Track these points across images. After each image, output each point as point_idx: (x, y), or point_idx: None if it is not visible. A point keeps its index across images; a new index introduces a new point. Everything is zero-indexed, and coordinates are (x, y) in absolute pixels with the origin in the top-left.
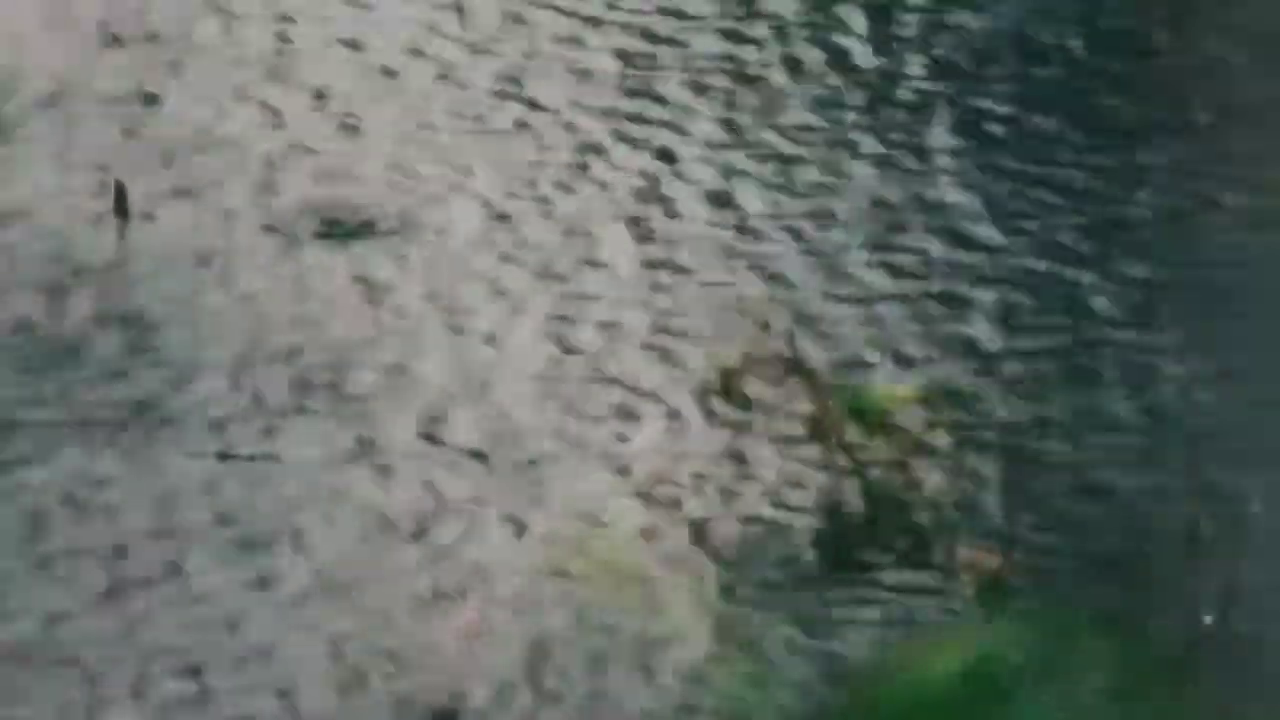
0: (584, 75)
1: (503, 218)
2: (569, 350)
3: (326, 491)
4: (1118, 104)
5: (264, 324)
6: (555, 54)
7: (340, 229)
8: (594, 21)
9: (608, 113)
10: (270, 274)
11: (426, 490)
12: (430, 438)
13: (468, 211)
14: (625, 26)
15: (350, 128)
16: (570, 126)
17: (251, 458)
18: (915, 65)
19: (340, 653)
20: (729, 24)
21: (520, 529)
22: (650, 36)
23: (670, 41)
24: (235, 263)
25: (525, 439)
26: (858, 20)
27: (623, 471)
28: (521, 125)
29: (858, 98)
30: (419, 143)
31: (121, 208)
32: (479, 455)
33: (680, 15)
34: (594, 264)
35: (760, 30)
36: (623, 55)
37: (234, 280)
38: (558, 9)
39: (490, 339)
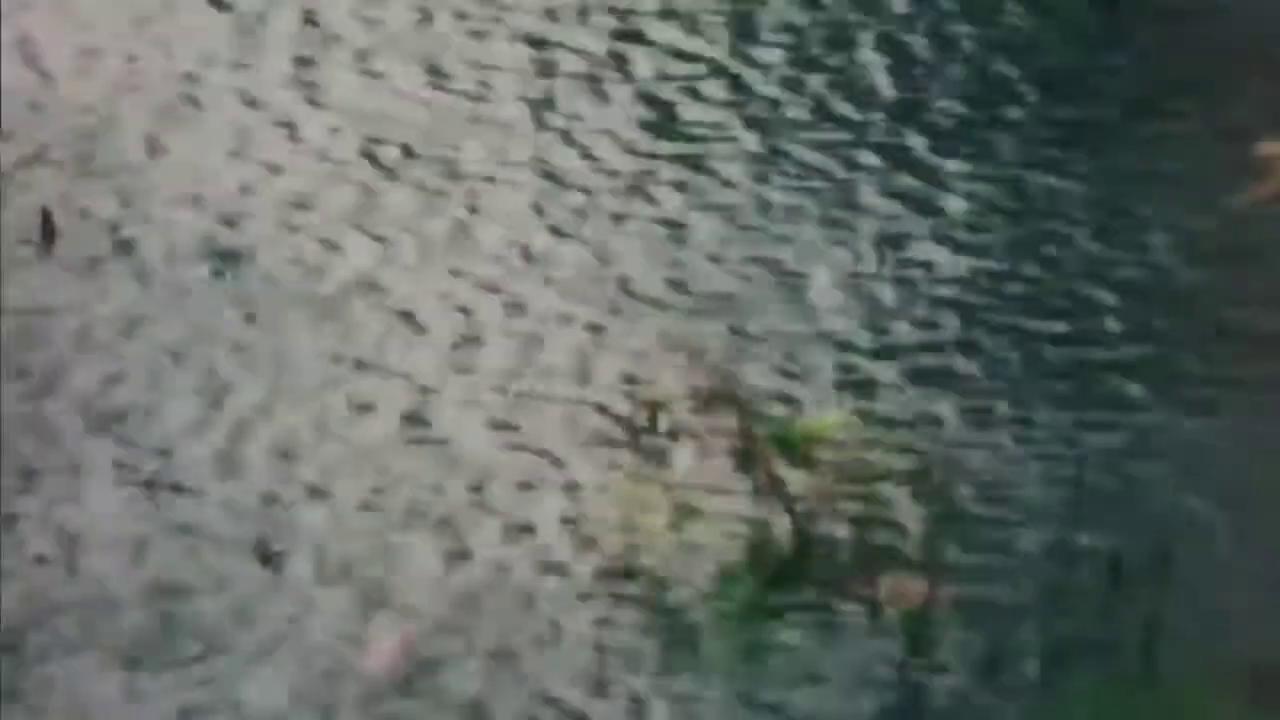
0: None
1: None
2: (494, 377)
3: None
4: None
5: None
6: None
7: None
8: (495, 21)
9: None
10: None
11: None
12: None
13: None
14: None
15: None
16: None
17: None
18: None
19: None
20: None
21: (454, 557)
22: (538, 42)
23: (555, 44)
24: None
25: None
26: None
27: (544, 498)
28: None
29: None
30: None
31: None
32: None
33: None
34: (516, 286)
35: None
36: (531, 41)
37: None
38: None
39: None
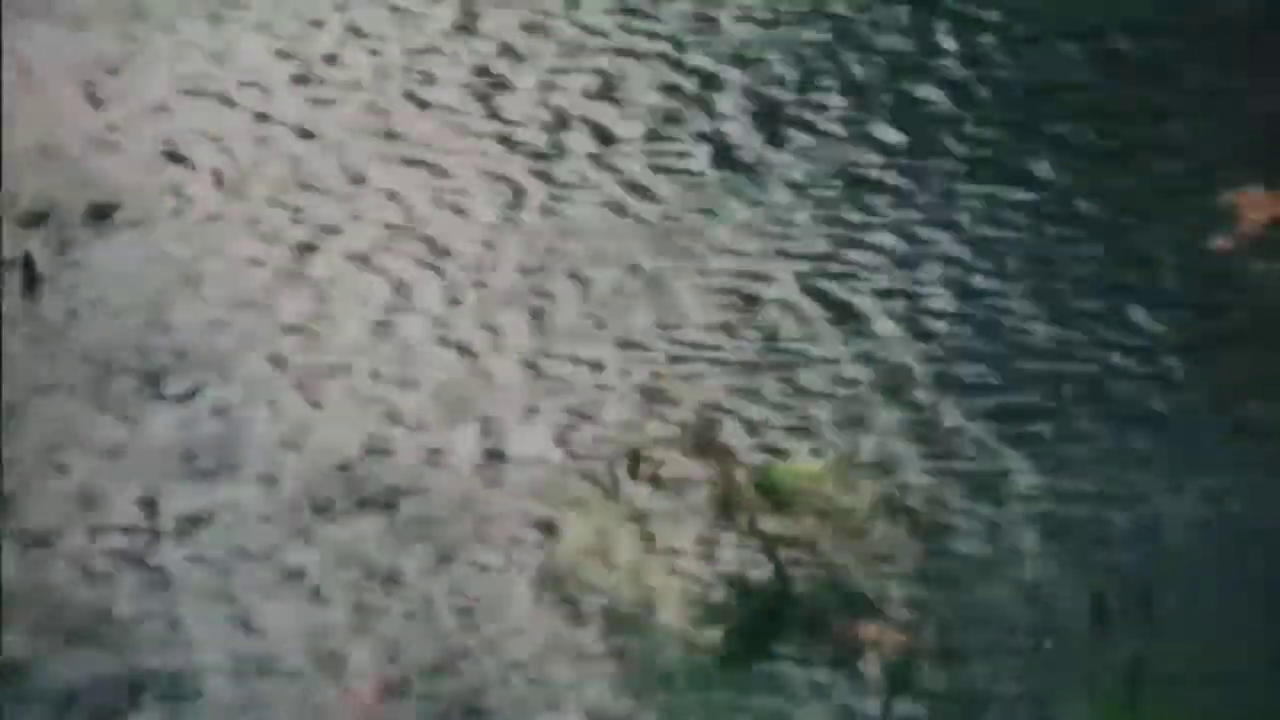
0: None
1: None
2: (477, 423)
3: None
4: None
5: None
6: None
7: None
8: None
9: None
10: None
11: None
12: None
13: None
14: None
15: None
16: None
17: None
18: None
19: None
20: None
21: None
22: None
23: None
24: None
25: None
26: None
27: (528, 549)
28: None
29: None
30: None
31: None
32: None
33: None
34: (494, 330)
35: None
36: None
37: None
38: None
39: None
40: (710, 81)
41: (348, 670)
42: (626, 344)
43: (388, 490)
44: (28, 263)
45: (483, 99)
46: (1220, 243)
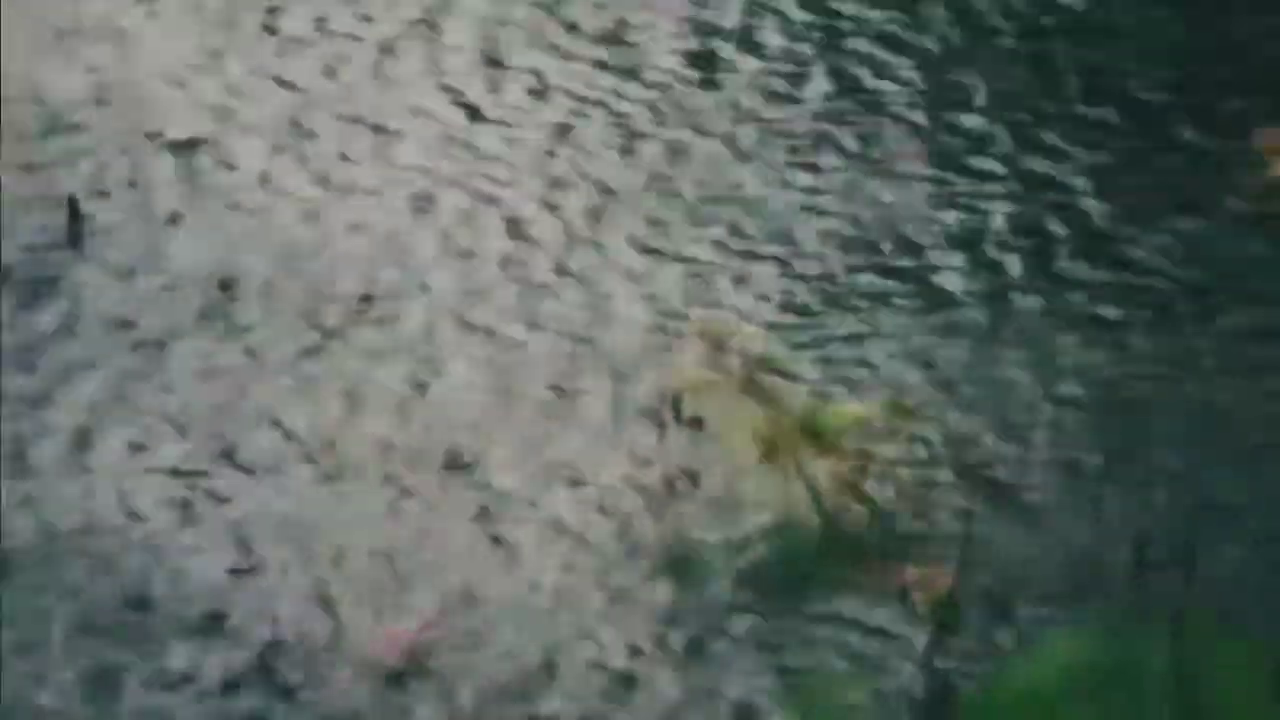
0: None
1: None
2: (522, 362)
3: None
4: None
5: None
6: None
7: None
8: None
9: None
10: None
11: None
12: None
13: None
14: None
15: None
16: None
17: None
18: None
19: None
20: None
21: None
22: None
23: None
24: None
25: (467, 444)
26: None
27: (575, 484)
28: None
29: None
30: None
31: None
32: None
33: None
34: (548, 277)
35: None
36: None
37: None
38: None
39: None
40: None
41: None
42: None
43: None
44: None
45: None
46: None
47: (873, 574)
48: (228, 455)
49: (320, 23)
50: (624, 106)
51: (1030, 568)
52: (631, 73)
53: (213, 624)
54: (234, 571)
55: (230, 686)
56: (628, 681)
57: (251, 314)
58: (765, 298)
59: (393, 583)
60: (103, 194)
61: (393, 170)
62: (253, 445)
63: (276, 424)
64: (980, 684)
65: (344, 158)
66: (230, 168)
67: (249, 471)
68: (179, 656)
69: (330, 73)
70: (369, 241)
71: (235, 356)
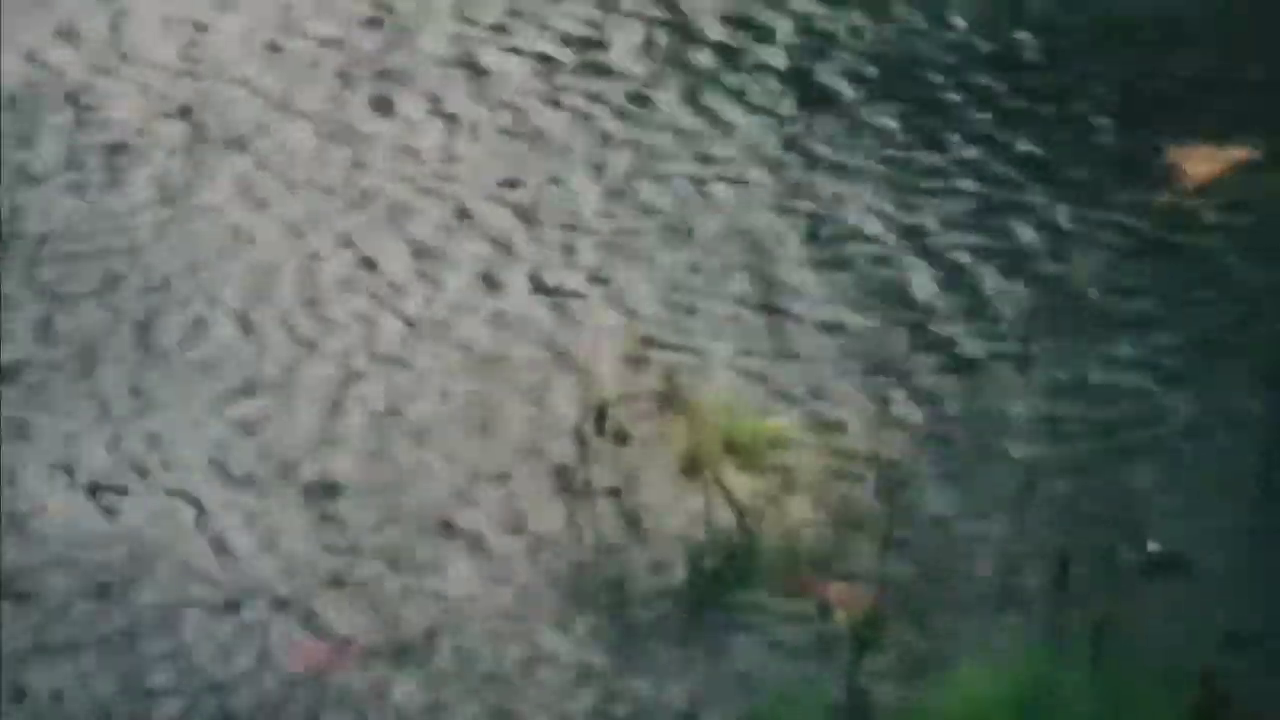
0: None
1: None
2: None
3: None
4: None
5: None
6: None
7: None
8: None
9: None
10: None
11: None
12: None
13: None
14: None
15: None
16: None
17: None
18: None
19: None
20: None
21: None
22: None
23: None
24: None
25: (388, 465)
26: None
27: (495, 498)
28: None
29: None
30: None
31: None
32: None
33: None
34: (463, 288)
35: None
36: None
37: None
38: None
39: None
40: None
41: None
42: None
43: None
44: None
45: None
46: (1164, 198)
47: (794, 590)
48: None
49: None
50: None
51: (952, 584)
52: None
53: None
54: None
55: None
56: (543, 694)
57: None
58: (691, 310)
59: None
60: None
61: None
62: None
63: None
64: (899, 708)
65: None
66: None
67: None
68: None
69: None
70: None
71: None
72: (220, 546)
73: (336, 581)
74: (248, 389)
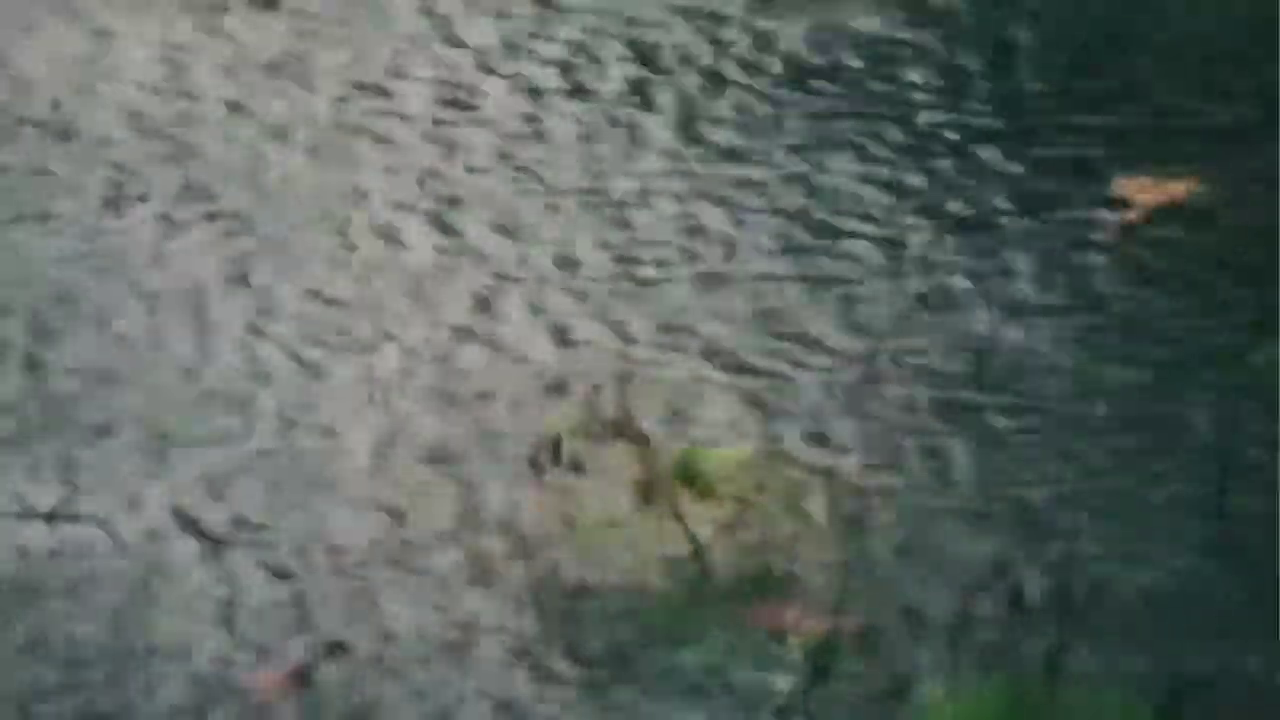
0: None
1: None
2: (394, 417)
3: None
4: None
5: None
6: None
7: None
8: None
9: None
10: None
11: None
12: None
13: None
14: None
15: None
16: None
17: None
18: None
19: None
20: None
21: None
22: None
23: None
24: None
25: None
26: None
27: (449, 527)
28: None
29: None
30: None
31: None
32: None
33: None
34: (419, 317)
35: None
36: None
37: None
38: None
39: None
40: None
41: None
42: (557, 331)
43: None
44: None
45: None
46: (1108, 228)
47: (749, 617)
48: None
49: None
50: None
51: (908, 609)
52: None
53: None
54: None
55: None
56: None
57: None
58: (635, 340)
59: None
60: None
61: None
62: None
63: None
64: None
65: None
66: None
67: None
68: None
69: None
70: None
71: None
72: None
73: (280, 605)
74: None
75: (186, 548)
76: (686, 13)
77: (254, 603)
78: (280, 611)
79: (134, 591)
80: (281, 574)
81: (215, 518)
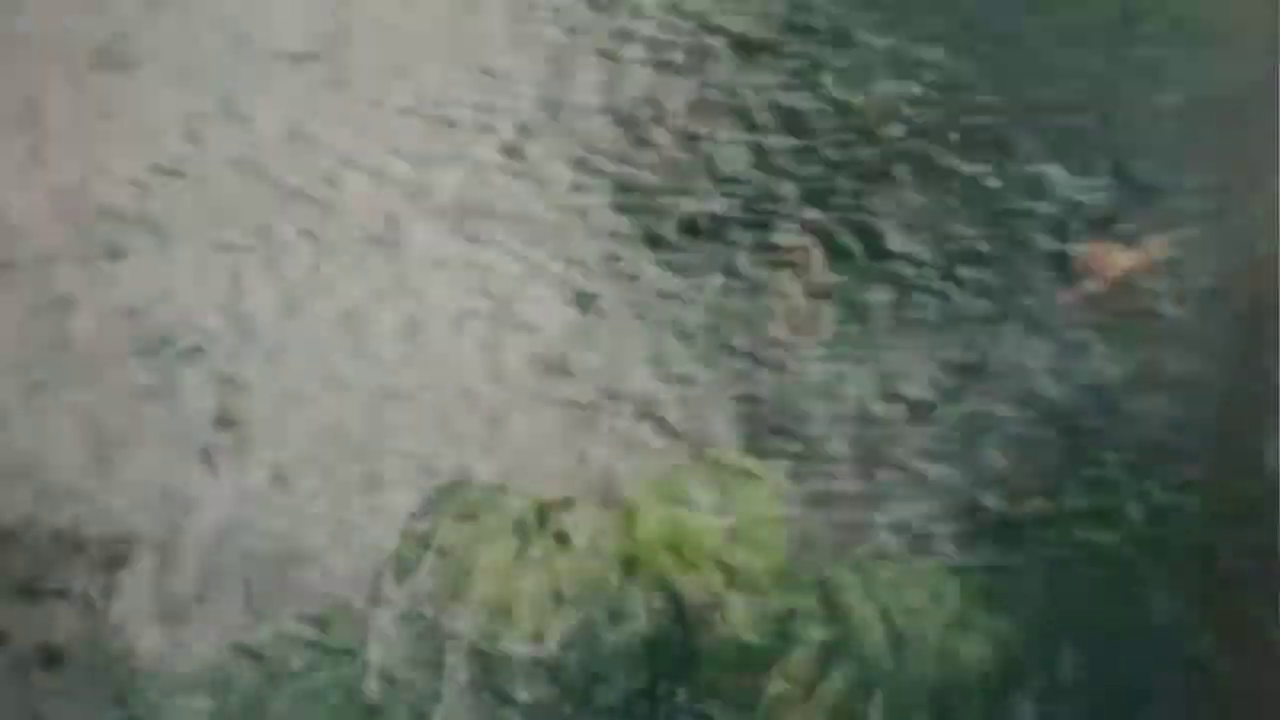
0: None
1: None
2: (376, 489)
3: None
4: None
5: None
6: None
7: None
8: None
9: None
10: None
11: None
12: None
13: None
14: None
15: None
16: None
17: None
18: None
19: None
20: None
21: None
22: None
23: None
24: None
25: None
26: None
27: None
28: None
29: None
30: None
31: None
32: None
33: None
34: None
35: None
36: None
37: None
38: None
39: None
40: None
41: None
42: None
43: None
44: None
45: None
46: (1072, 294)
47: (734, 687)
48: None
49: None
50: None
51: (890, 681)
52: None
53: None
54: None
55: None
56: None
57: None
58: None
59: None
60: None
61: None
62: None
63: None
64: None
65: None
66: None
67: None
68: None
69: None
70: None
71: None
72: None
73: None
74: None
75: None
76: None
77: None
78: None
79: None
80: None
81: None
